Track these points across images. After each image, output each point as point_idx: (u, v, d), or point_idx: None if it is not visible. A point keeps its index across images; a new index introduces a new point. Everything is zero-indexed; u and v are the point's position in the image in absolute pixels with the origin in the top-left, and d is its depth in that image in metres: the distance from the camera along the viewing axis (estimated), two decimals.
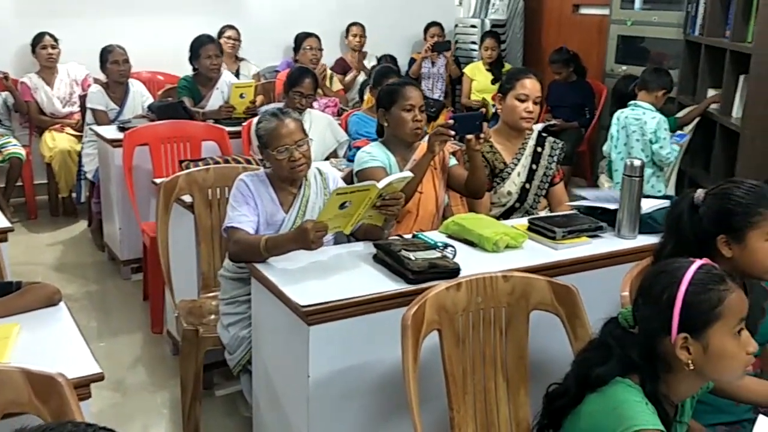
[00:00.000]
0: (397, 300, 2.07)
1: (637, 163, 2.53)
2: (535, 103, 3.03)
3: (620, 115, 4.34)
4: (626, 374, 1.40)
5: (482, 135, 2.70)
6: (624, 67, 5.59)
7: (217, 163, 3.20)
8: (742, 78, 4.10)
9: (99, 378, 1.64)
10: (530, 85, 3.03)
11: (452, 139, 2.69)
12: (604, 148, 4.51)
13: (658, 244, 2.07)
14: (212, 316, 2.73)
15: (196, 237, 2.92)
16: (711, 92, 4.57)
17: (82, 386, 1.60)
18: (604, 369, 1.40)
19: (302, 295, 2.02)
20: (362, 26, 6.08)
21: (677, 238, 1.96)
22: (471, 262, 2.22)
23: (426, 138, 2.81)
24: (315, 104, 4.29)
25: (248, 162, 3.29)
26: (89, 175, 4.61)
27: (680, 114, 4.72)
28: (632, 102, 4.31)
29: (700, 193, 1.96)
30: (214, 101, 4.55)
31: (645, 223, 2.57)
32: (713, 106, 4.50)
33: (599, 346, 1.45)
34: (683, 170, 4.78)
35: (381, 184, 2.24)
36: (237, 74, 5.33)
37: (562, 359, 2.03)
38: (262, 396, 2.38)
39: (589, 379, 1.42)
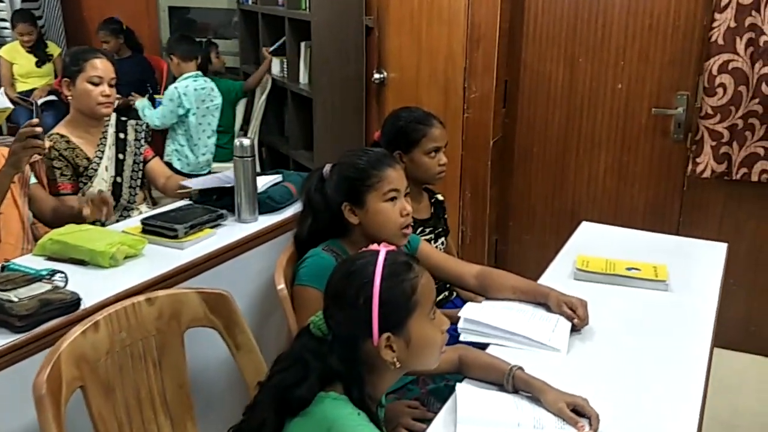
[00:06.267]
0: (5, 358, 1.60)
1: (246, 142, 2.38)
2: (110, 85, 2.74)
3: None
4: (328, 387, 1.25)
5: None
6: None
7: None
8: (303, 44, 4.23)
9: None
10: (102, 66, 2.74)
11: (44, 149, 2.17)
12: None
13: (297, 223, 2.04)
14: None
15: None
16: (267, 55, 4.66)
17: None
18: (304, 389, 1.23)
19: None
20: None
21: (313, 214, 1.97)
22: (90, 287, 1.82)
23: None
24: None
25: None
26: None
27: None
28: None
29: (327, 167, 1.99)
30: None
31: (264, 203, 2.46)
32: (276, 71, 4.61)
33: (294, 362, 1.26)
34: (261, 141, 4.82)
35: None
36: None
37: (225, 374, 1.82)
38: None
39: (290, 403, 1.24)
